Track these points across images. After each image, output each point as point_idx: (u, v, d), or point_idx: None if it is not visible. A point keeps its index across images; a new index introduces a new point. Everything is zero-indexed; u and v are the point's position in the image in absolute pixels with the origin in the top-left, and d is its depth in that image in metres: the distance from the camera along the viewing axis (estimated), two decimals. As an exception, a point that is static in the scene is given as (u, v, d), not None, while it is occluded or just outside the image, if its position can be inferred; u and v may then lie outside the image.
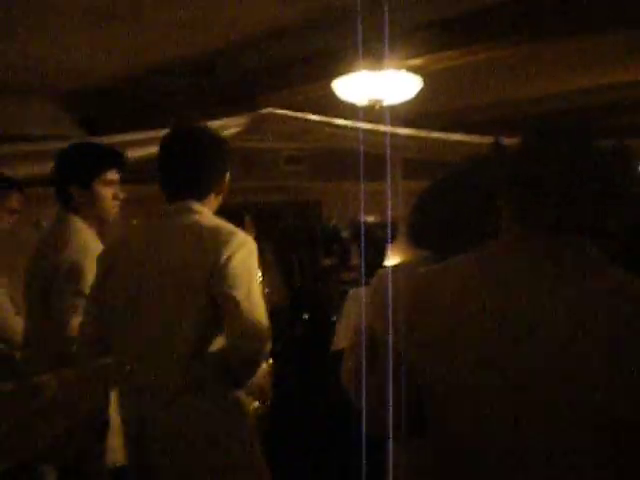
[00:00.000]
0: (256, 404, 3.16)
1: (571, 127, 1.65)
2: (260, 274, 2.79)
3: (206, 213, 2.73)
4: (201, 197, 2.75)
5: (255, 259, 2.65)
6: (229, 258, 2.57)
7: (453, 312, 1.61)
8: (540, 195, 1.57)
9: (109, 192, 3.27)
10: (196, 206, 2.72)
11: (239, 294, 2.56)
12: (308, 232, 6.48)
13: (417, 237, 2.22)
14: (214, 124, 5.67)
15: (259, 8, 5.27)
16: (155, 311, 2.66)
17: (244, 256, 2.60)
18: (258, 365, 2.68)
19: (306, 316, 5.70)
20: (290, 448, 4.63)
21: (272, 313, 3.11)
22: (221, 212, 2.87)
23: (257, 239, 2.81)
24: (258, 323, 2.58)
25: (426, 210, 2.21)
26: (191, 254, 2.61)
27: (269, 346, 2.64)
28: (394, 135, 5.71)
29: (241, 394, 2.74)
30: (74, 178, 3.23)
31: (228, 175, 2.82)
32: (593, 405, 1.44)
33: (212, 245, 2.60)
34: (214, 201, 2.81)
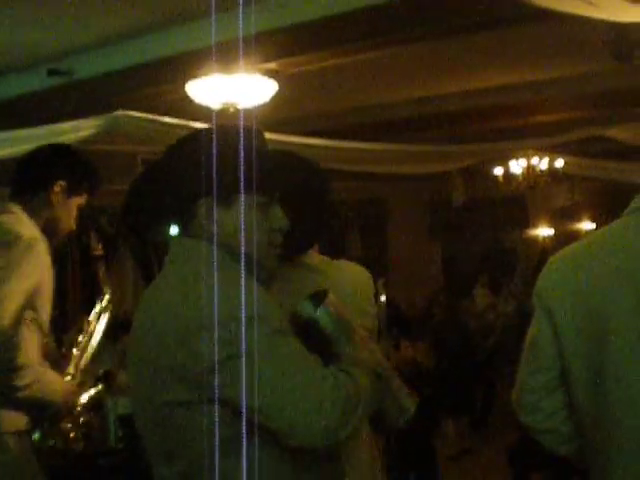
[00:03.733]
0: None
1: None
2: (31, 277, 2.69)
3: (18, 215, 2.74)
4: (24, 201, 2.80)
5: (27, 259, 2.62)
6: None
7: None
8: None
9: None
10: (14, 207, 2.75)
11: None
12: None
13: None
14: (68, 125, 5.56)
15: (114, 8, 5.21)
16: None
17: (9, 254, 2.60)
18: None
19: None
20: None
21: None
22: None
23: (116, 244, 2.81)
24: None
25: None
26: None
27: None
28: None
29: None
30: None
31: (62, 185, 2.83)
32: None
33: None
34: (44, 207, 2.82)
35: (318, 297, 1.85)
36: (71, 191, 2.88)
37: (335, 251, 2.57)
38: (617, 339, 1.69)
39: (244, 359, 1.54)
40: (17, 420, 2.69)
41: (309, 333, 1.78)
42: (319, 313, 1.81)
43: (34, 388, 2.62)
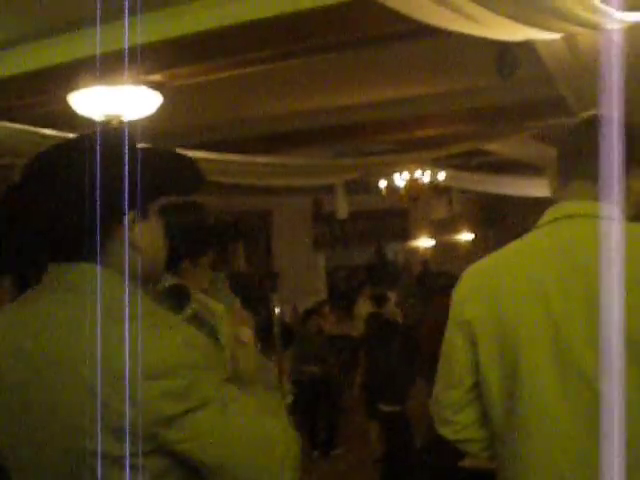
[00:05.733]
0: None
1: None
2: None
3: None
4: None
5: None
6: None
7: None
8: None
9: None
10: None
11: None
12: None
13: None
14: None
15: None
16: None
17: None
18: None
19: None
20: None
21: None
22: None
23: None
24: None
25: None
26: None
27: None
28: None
29: None
30: None
31: None
32: None
33: None
34: None
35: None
36: None
37: (218, 264, 2.51)
38: (528, 349, 1.71)
39: (202, 412, 1.38)
40: None
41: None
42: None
43: None
